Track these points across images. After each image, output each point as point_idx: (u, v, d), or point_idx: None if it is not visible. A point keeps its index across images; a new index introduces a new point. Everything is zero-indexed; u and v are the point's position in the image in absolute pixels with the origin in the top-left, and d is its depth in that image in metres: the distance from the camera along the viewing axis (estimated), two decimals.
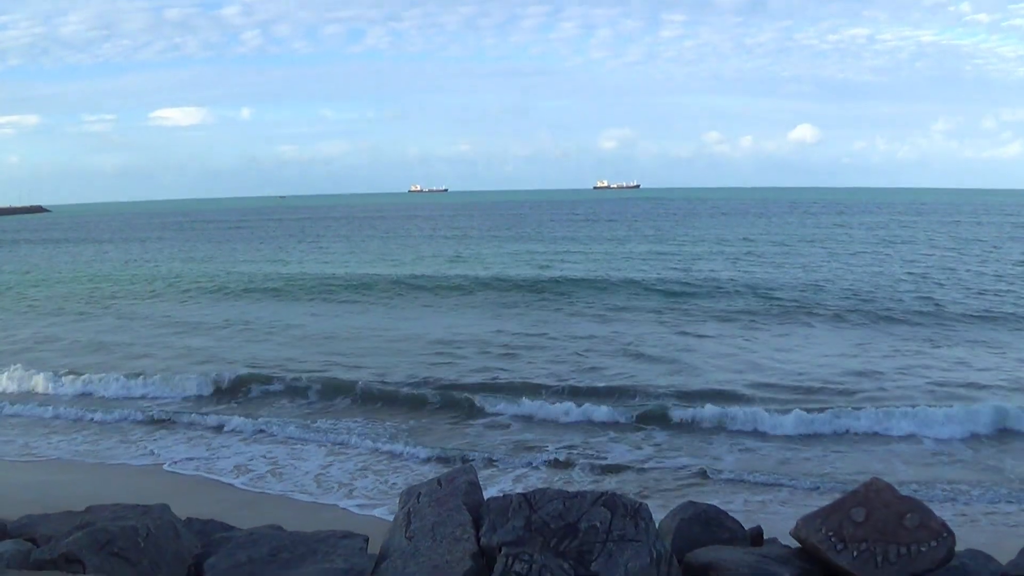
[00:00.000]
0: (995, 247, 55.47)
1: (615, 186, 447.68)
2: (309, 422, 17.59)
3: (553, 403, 17.75)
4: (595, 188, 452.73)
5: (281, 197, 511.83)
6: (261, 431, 17.09)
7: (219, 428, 17.40)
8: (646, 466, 14.59)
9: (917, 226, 79.07)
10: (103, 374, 21.04)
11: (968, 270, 40.61)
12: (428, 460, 15.12)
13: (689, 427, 16.45)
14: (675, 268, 43.17)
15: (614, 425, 16.67)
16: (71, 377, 21.00)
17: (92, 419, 18.26)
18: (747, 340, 24.70)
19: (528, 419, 17.25)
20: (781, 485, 13.61)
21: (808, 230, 73.41)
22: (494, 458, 15.00)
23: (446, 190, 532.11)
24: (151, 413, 18.30)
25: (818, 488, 13.29)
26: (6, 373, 21.19)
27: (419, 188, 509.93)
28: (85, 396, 20.01)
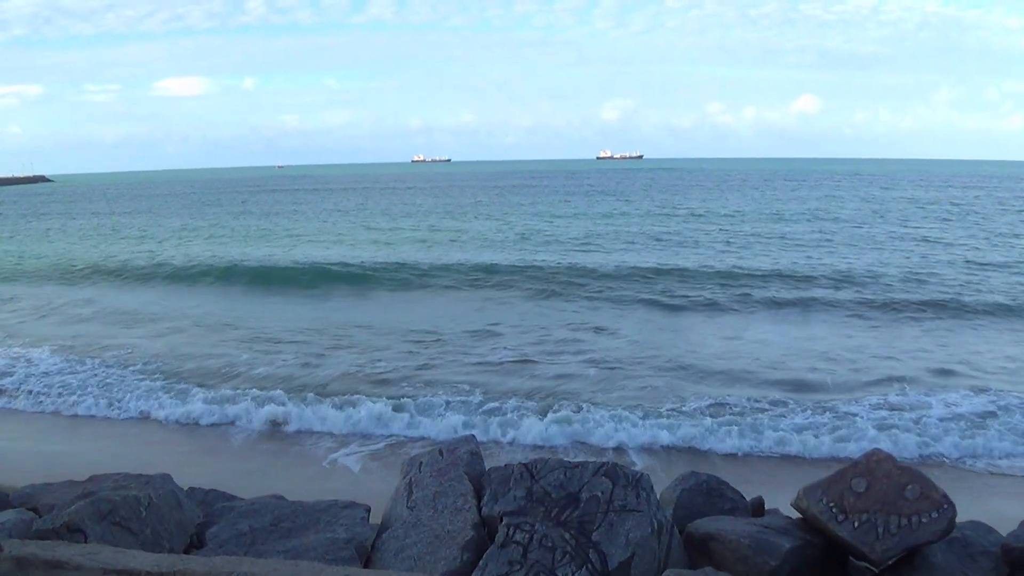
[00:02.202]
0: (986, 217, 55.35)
1: (618, 156, 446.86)
2: None
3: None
4: (598, 158, 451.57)
5: (279, 167, 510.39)
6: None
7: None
8: None
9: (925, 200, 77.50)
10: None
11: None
12: None
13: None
14: (665, 250, 40.97)
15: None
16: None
17: None
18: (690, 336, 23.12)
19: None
20: None
21: (807, 204, 71.72)
22: None
23: (449, 160, 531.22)
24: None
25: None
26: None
27: (422, 158, 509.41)
28: None
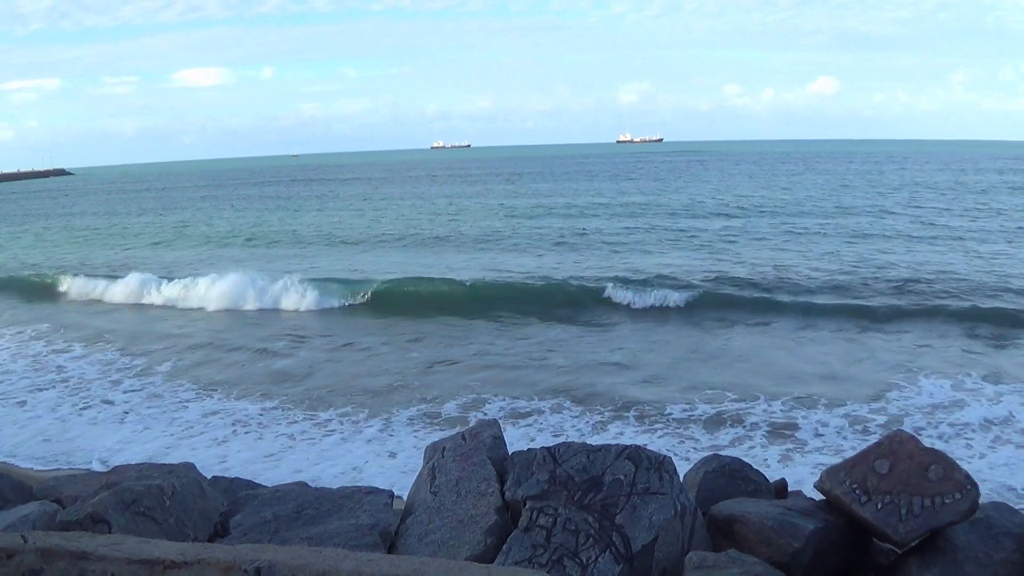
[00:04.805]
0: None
1: (638, 140, 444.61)
2: None
3: None
4: (618, 142, 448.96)
5: (293, 156, 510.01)
6: None
7: None
8: None
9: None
10: None
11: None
12: None
13: None
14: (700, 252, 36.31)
15: None
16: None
17: None
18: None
19: None
20: None
21: (819, 192, 68.26)
22: None
23: (468, 146, 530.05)
24: None
25: None
26: None
27: (442, 144, 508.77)
28: None
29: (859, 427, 14.41)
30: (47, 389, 18.27)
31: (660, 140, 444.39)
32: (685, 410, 15.64)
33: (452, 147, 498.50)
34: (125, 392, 18.07)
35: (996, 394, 15.98)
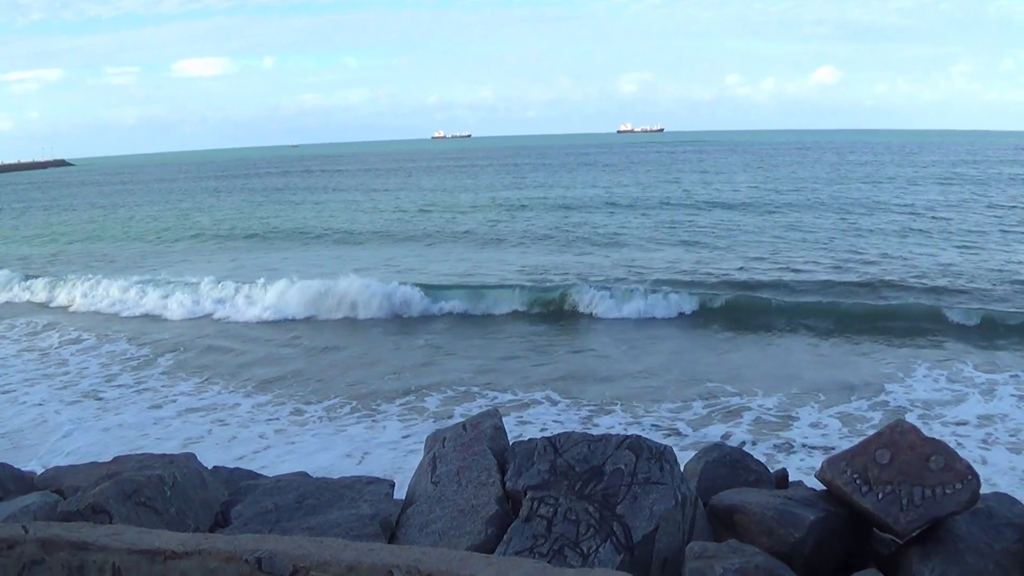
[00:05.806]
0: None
1: (639, 130, 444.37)
2: None
3: None
4: (619, 132, 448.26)
5: (293, 146, 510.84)
6: None
7: None
8: None
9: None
10: None
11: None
12: None
13: None
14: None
15: None
16: None
17: None
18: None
19: None
20: None
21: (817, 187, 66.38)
22: None
23: (469, 136, 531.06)
24: None
25: None
26: None
27: (442, 134, 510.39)
28: None
29: (853, 425, 14.36)
30: (39, 382, 18.27)
31: (661, 130, 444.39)
32: (677, 408, 15.56)
33: (453, 137, 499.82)
34: (117, 387, 18.01)
35: (991, 389, 15.99)
